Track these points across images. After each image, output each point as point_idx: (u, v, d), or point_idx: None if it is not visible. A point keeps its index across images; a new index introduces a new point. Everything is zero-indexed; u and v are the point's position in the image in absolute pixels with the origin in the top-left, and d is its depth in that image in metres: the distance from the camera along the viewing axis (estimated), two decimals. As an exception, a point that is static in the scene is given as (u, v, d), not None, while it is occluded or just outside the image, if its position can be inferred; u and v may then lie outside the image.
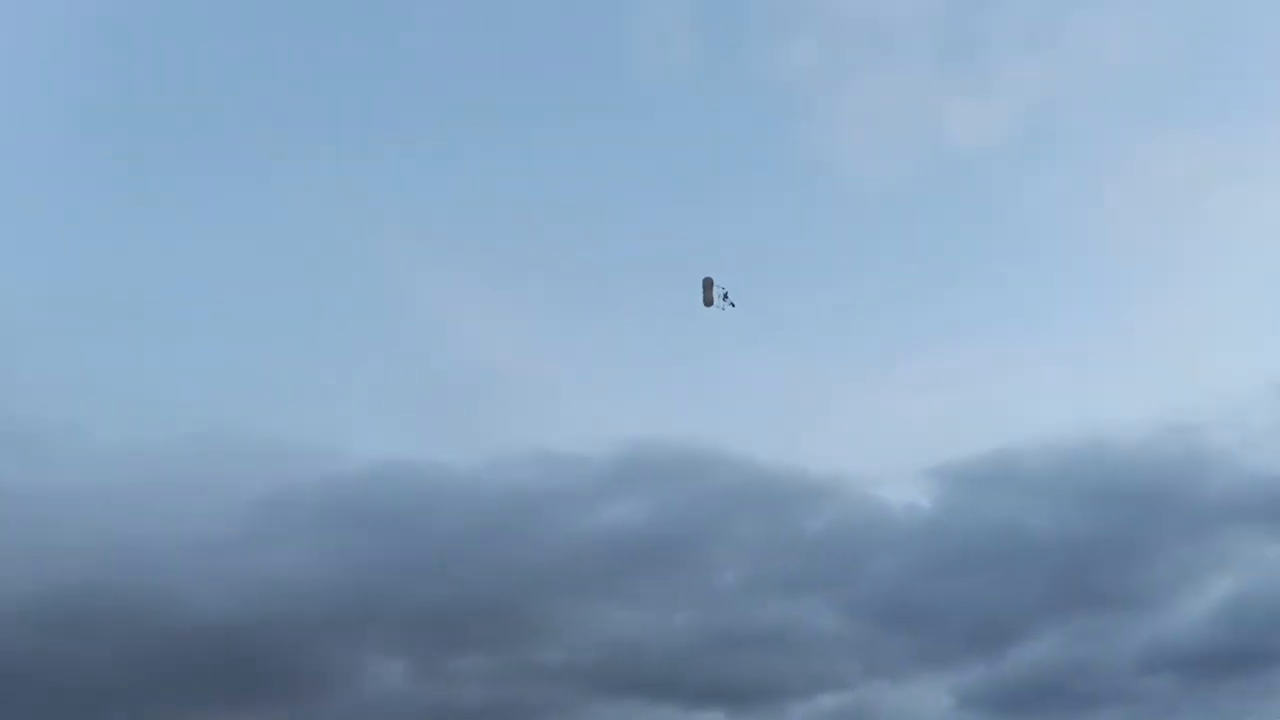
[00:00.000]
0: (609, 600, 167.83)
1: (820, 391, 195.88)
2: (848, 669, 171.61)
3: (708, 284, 62.72)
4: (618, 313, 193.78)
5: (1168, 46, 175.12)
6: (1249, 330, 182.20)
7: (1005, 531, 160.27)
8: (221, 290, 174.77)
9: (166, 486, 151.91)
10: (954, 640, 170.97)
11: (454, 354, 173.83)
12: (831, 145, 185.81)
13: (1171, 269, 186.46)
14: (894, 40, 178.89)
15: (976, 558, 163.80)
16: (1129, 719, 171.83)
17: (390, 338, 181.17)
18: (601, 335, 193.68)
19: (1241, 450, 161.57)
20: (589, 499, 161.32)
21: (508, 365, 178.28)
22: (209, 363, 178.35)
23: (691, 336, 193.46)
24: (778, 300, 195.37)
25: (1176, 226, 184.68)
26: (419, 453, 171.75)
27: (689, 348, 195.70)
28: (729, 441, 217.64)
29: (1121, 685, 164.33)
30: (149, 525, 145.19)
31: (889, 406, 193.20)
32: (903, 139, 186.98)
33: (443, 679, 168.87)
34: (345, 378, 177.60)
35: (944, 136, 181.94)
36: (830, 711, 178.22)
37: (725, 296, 62.33)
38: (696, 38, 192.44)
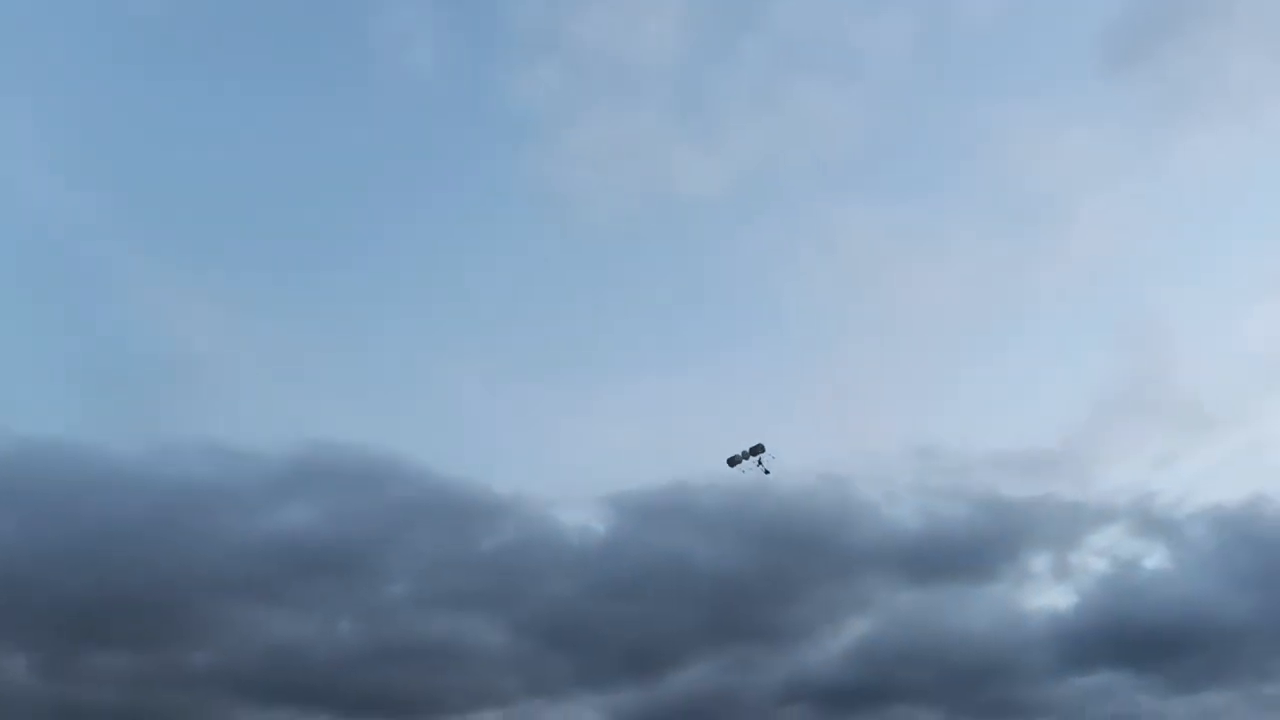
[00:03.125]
0: (270, 604, 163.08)
1: (509, 411, 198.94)
2: (509, 686, 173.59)
3: (757, 449, 60.60)
4: (309, 312, 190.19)
5: (875, 122, 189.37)
6: (899, 397, 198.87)
7: (672, 562, 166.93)
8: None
9: None
10: (613, 663, 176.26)
11: (128, 333, 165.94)
12: (562, 175, 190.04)
13: (844, 333, 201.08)
14: (634, 82, 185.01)
15: (642, 585, 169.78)
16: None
17: (56, 308, 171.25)
18: (289, 332, 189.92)
19: (884, 504, 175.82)
20: (259, 498, 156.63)
21: (187, 351, 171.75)
22: None
23: (382, 342, 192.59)
24: (476, 315, 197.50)
25: (855, 292, 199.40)
26: (77, 433, 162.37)
27: (378, 353, 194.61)
28: (411, 452, 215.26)
29: (763, 713, 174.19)
30: None
31: (577, 432, 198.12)
32: (631, 179, 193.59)
33: (73, 677, 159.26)
34: (6, 351, 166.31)
35: (670, 182, 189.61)
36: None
37: (760, 463, 60.22)
38: (439, 45, 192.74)
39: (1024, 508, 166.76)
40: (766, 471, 60.18)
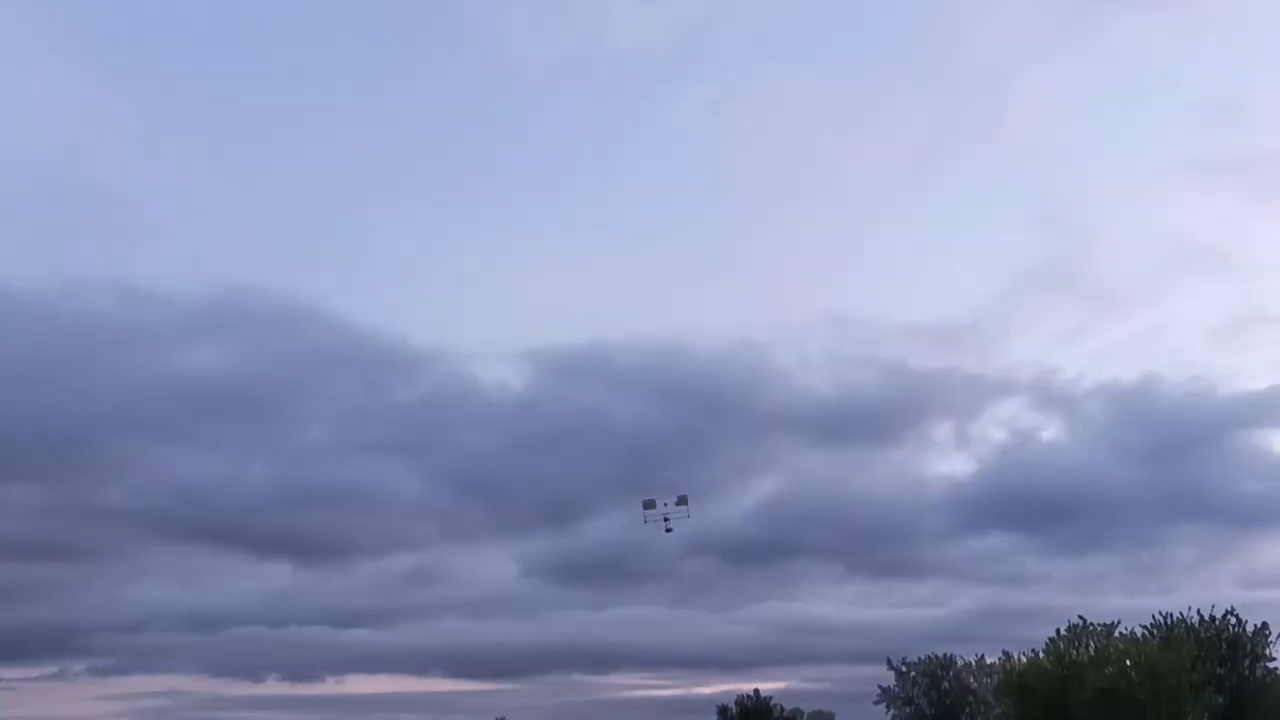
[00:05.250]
0: (181, 444, 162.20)
1: (431, 261, 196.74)
2: (423, 532, 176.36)
3: (681, 500, 57.56)
4: (226, 150, 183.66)
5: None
6: (818, 267, 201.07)
7: (587, 418, 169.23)
8: None
9: None
10: (526, 513, 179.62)
11: (32, 162, 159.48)
12: (496, 20, 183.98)
13: (772, 200, 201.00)
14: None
15: (557, 440, 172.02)
16: (671, 593, 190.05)
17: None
18: (204, 169, 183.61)
19: (797, 371, 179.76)
20: (169, 339, 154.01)
21: (94, 184, 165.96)
22: None
23: (303, 185, 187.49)
24: (401, 161, 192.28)
25: (791, 161, 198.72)
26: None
27: (297, 196, 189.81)
28: (328, 298, 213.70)
29: (669, 565, 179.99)
30: None
31: (498, 286, 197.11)
32: (567, 28, 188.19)
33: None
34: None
35: (606, 35, 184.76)
36: (400, 570, 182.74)
37: (666, 519, 57.29)
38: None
39: (930, 378, 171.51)
40: (669, 529, 58.36)
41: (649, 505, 56.73)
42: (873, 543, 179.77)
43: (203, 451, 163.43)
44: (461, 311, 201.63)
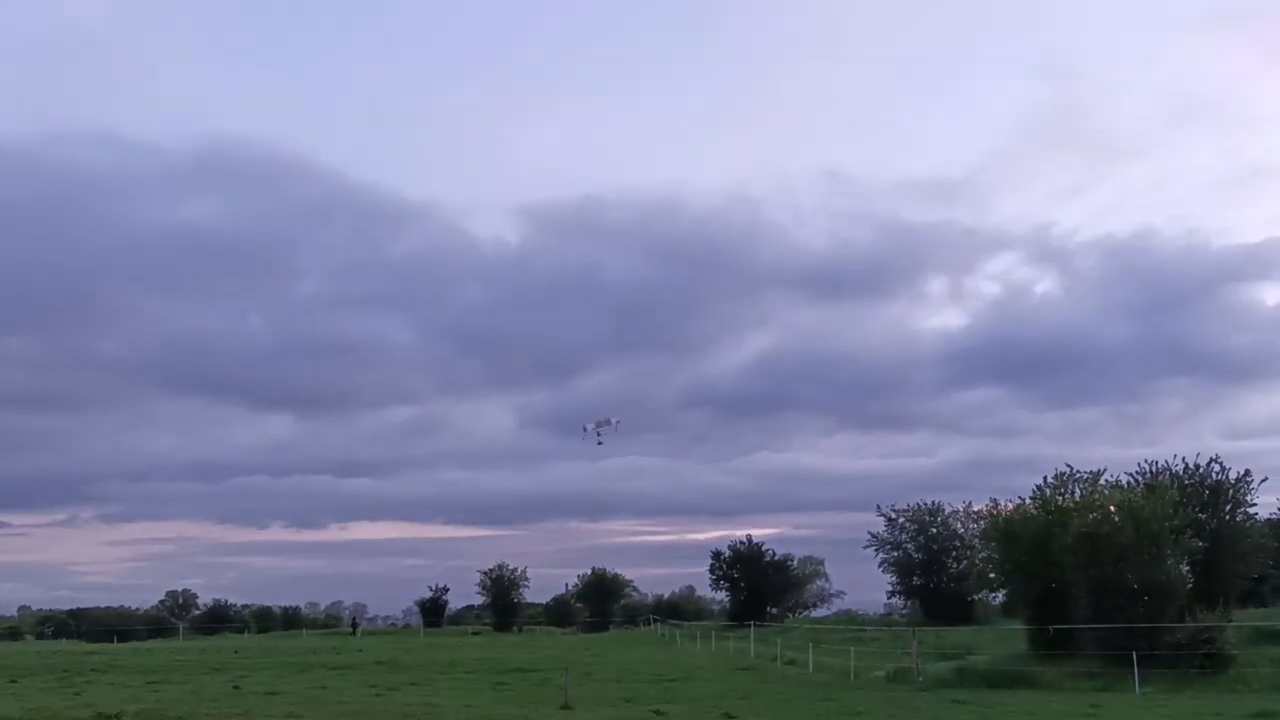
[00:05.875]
0: (176, 297, 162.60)
1: (426, 113, 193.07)
2: (420, 385, 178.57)
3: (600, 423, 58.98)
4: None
5: None
6: (809, 123, 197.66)
7: (582, 273, 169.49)
8: None
9: None
10: (522, 367, 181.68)
11: (25, 12, 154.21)
12: None
13: (767, 52, 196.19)
14: None
15: (552, 295, 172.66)
16: (667, 445, 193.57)
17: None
18: (196, 14, 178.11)
19: (791, 226, 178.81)
20: (160, 190, 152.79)
21: (89, 30, 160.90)
22: None
23: (297, 33, 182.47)
24: (397, 10, 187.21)
25: (787, 12, 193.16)
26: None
27: (291, 46, 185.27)
28: (321, 150, 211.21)
29: (665, 417, 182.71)
30: None
31: (493, 139, 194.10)
32: None
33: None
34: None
35: None
36: (399, 422, 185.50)
37: (598, 433, 58.57)
38: None
39: (924, 232, 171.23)
40: (600, 443, 60.04)
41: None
42: (864, 395, 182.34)
43: (199, 304, 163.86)
44: (456, 165, 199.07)
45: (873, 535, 65.36)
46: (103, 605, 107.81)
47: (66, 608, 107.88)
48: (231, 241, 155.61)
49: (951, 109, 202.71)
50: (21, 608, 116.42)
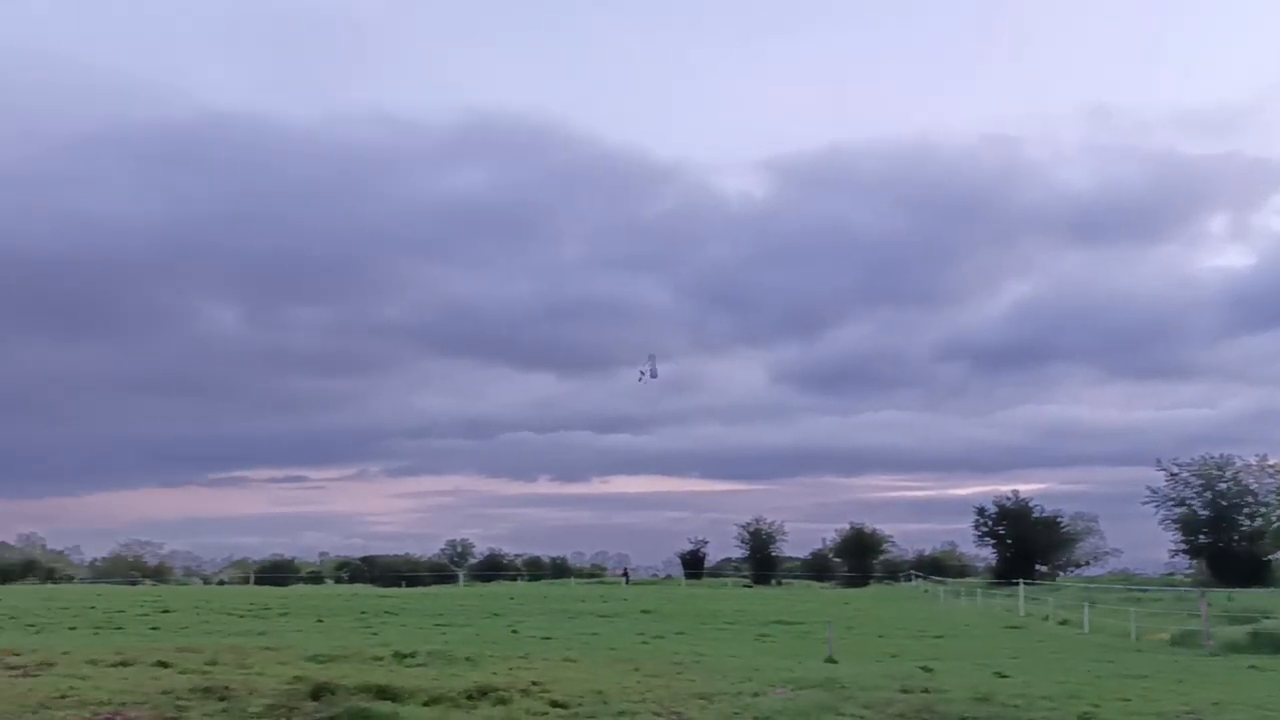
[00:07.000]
0: (449, 264, 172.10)
1: (672, 72, 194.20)
2: (674, 342, 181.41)
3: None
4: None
5: None
6: (1070, 55, 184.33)
7: (830, 226, 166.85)
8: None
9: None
10: (772, 322, 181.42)
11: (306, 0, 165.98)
12: None
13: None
14: None
15: (801, 248, 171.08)
16: (922, 399, 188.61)
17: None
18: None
19: (1051, 165, 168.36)
20: (429, 163, 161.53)
21: (357, 15, 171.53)
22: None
23: (547, 4, 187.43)
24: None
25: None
26: (256, 103, 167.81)
27: (542, 14, 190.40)
28: (575, 118, 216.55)
29: (919, 370, 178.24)
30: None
31: (738, 93, 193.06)
32: None
33: (277, 327, 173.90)
34: (188, 13, 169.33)
35: None
36: (654, 379, 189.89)
37: (649, 372, 57.12)
38: None
39: (1203, 166, 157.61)
40: (653, 375, 56.99)
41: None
42: (1136, 343, 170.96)
43: (468, 270, 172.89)
44: (702, 122, 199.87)
45: (1152, 491, 61.81)
46: (390, 553, 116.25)
47: (359, 555, 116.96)
48: (494, 209, 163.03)
49: (1233, 29, 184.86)
50: (322, 554, 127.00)
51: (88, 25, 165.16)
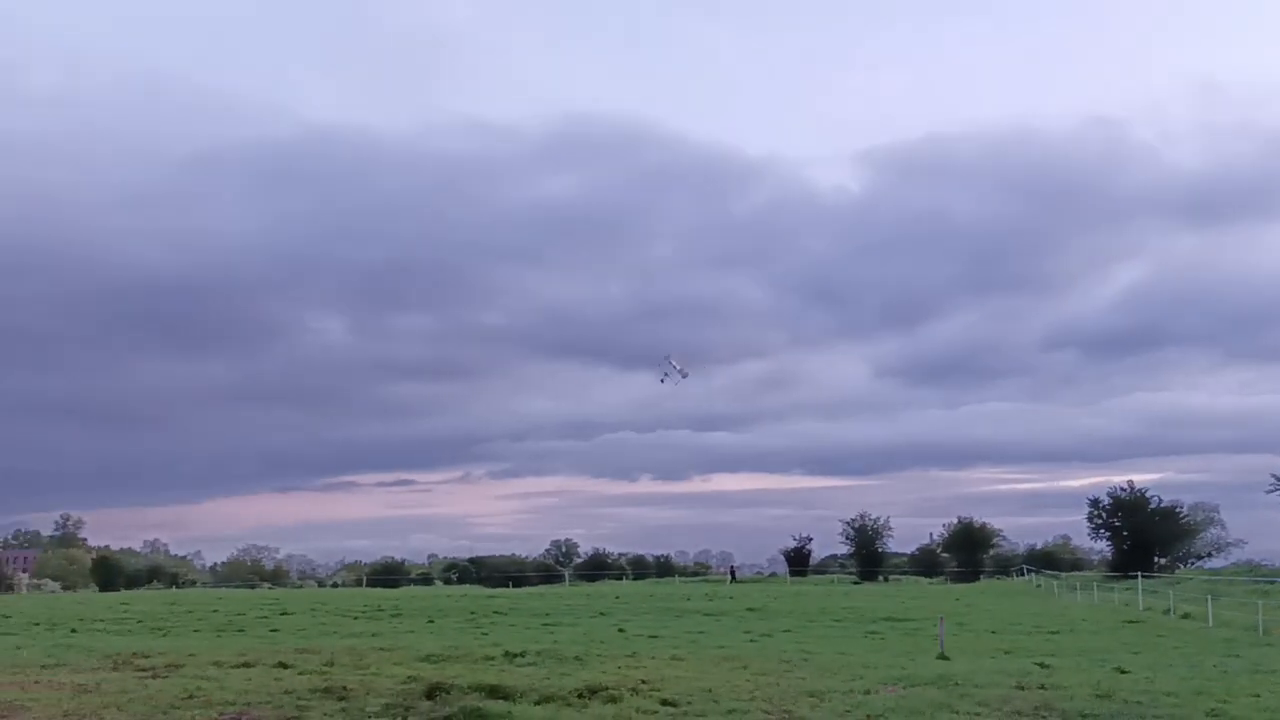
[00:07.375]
0: (545, 268, 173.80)
1: (761, 64, 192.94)
2: (771, 339, 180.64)
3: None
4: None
5: None
6: (1176, 29, 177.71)
7: (928, 216, 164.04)
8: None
9: (100, 135, 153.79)
10: (872, 316, 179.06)
11: (402, 15, 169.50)
12: None
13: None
14: None
15: (899, 240, 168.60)
16: (1029, 389, 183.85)
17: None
18: (546, 4, 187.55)
19: (1160, 145, 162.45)
20: (522, 170, 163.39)
21: (450, 28, 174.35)
22: (151, 8, 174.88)
23: (630, 6, 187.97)
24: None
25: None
26: (355, 117, 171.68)
27: (626, 19, 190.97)
28: (663, 118, 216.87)
29: (1025, 360, 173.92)
30: (80, 174, 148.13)
31: (830, 84, 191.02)
32: None
33: (382, 336, 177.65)
34: (293, 34, 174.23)
35: None
36: (753, 376, 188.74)
37: (677, 370, 59.42)
38: None
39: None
40: (684, 374, 58.74)
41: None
42: (1255, 326, 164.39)
43: (563, 273, 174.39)
44: (794, 114, 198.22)
45: (1277, 479, 59.23)
46: (497, 553, 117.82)
47: (466, 556, 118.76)
48: (587, 213, 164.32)
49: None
50: (430, 556, 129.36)
51: (196, 48, 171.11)
